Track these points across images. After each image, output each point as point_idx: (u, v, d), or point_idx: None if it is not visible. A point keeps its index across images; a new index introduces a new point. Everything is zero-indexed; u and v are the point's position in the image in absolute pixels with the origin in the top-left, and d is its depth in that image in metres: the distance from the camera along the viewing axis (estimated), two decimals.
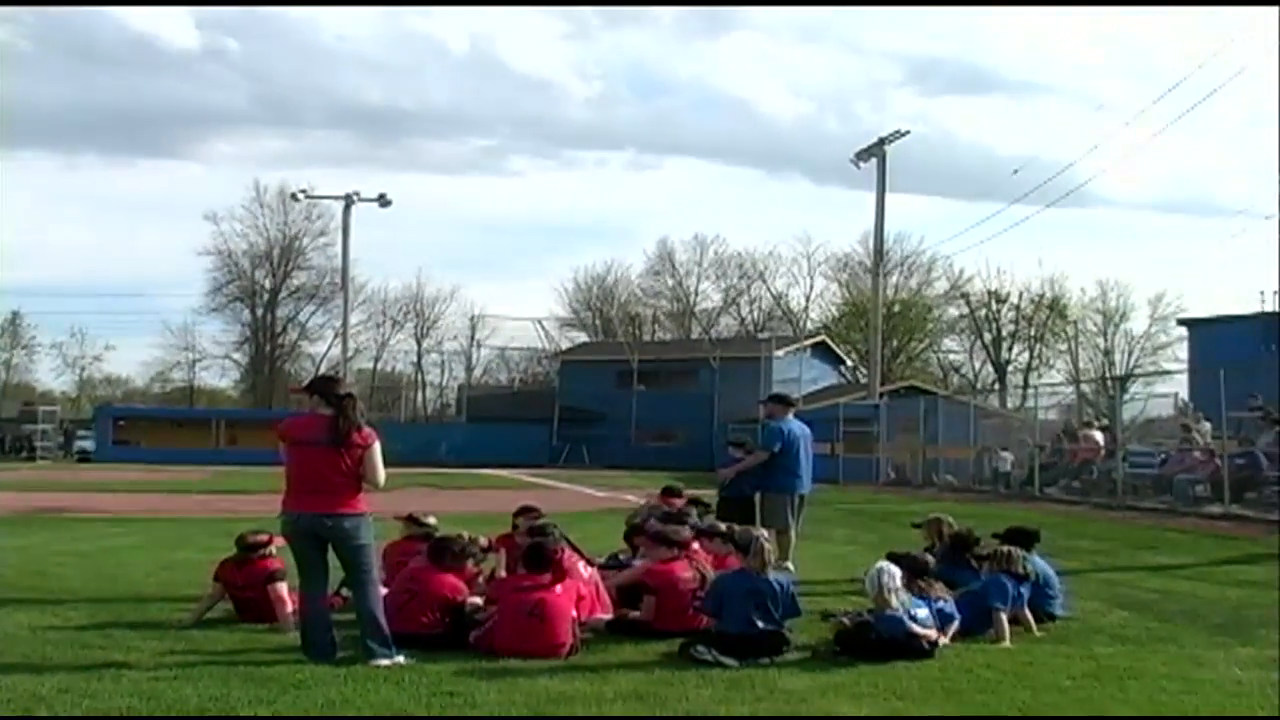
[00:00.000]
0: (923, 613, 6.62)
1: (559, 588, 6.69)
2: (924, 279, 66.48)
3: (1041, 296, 62.87)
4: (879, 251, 41.80)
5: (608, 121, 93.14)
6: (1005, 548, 7.72)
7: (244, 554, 7.63)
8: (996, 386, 57.84)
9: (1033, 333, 63.62)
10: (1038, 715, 5.21)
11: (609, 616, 7.30)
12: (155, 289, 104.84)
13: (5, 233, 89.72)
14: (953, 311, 66.37)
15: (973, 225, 65.40)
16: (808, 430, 10.76)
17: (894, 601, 6.57)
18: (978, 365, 66.37)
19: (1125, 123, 67.04)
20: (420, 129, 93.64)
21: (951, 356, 68.17)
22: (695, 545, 7.77)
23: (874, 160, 38.42)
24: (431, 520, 8.61)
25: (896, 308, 62.01)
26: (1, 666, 5.95)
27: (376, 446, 6.44)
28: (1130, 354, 61.37)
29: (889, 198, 38.94)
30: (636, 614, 7.25)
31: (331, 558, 6.50)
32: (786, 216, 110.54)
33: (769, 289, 71.02)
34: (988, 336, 64.93)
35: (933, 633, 6.58)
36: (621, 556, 8.91)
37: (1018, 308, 63.46)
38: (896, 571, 6.75)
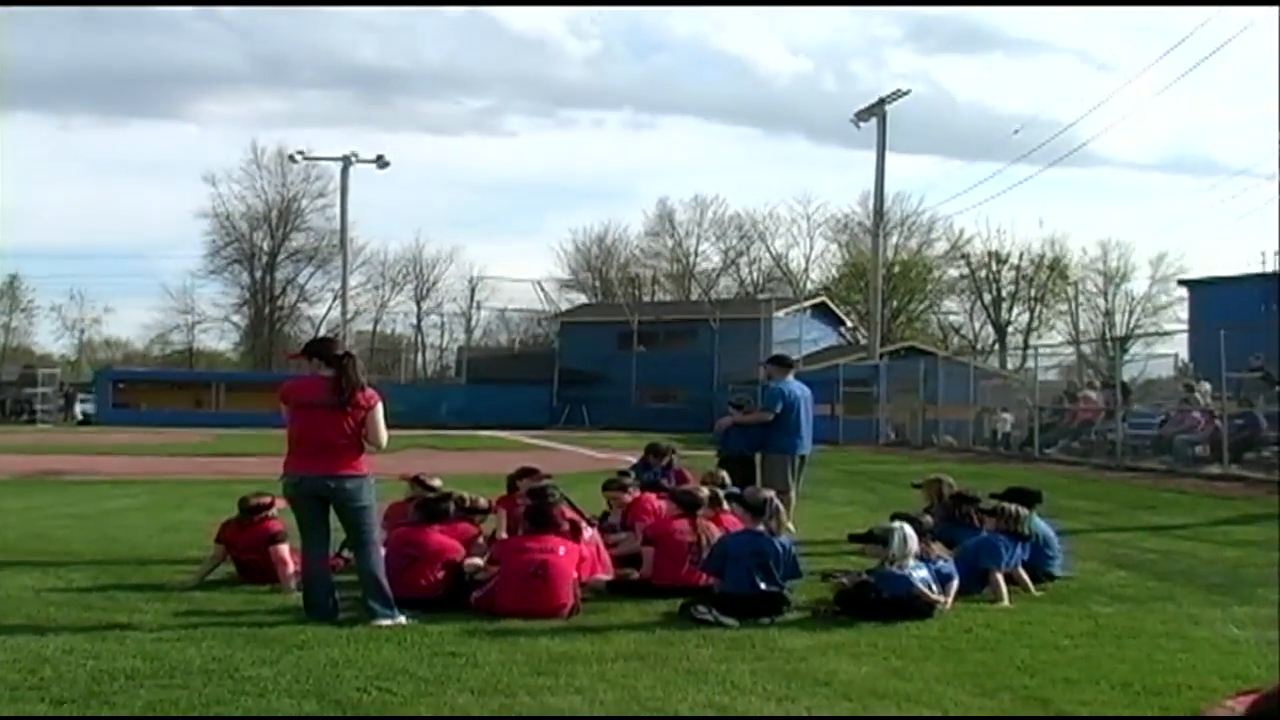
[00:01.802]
0: (922, 574, 6.64)
1: (563, 549, 6.73)
2: (924, 239, 66.37)
3: (1042, 257, 62.77)
4: (879, 212, 41.60)
5: (604, 80, 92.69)
6: (1012, 506, 7.74)
7: (246, 516, 7.65)
8: (996, 347, 57.87)
9: (1033, 293, 63.52)
10: (1037, 673, 5.24)
11: (609, 577, 7.34)
12: (154, 251, 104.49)
13: (2, 195, 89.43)
14: (953, 272, 66.29)
15: (973, 185, 65.52)
16: (808, 391, 10.79)
17: (908, 564, 6.60)
18: (978, 326, 66.40)
19: (1127, 81, 66.92)
20: (416, 88, 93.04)
21: (951, 317, 68.19)
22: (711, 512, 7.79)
23: (874, 120, 38.17)
24: (437, 483, 8.63)
25: (896, 268, 61.83)
26: (6, 628, 5.99)
27: (379, 408, 6.45)
28: (1131, 315, 61.39)
29: (889, 157, 38.77)
30: (637, 575, 7.31)
31: (333, 519, 6.52)
32: (785, 176, 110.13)
33: (769, 250, 70.96)
34: (988, 297, 64.86)
35: (936, 595, 6.60)
36: (611, 518, 8.96)
37: (1018, 268, 63.33)
38: (914, 534, 6.78)
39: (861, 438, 32.02)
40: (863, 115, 38.35)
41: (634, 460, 11.20)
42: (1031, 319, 63.94)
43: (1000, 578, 7.19)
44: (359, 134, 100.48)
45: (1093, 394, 23.16)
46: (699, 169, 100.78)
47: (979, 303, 65.71)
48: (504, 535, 8.02)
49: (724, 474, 9.52)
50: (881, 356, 38.56)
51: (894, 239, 62.64)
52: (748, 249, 71.25)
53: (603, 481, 9.28)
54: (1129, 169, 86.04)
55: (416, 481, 8.61)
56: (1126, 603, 7.18)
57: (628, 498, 8.85)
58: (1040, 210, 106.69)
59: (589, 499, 9.90)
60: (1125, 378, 22.18)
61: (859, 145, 74.74)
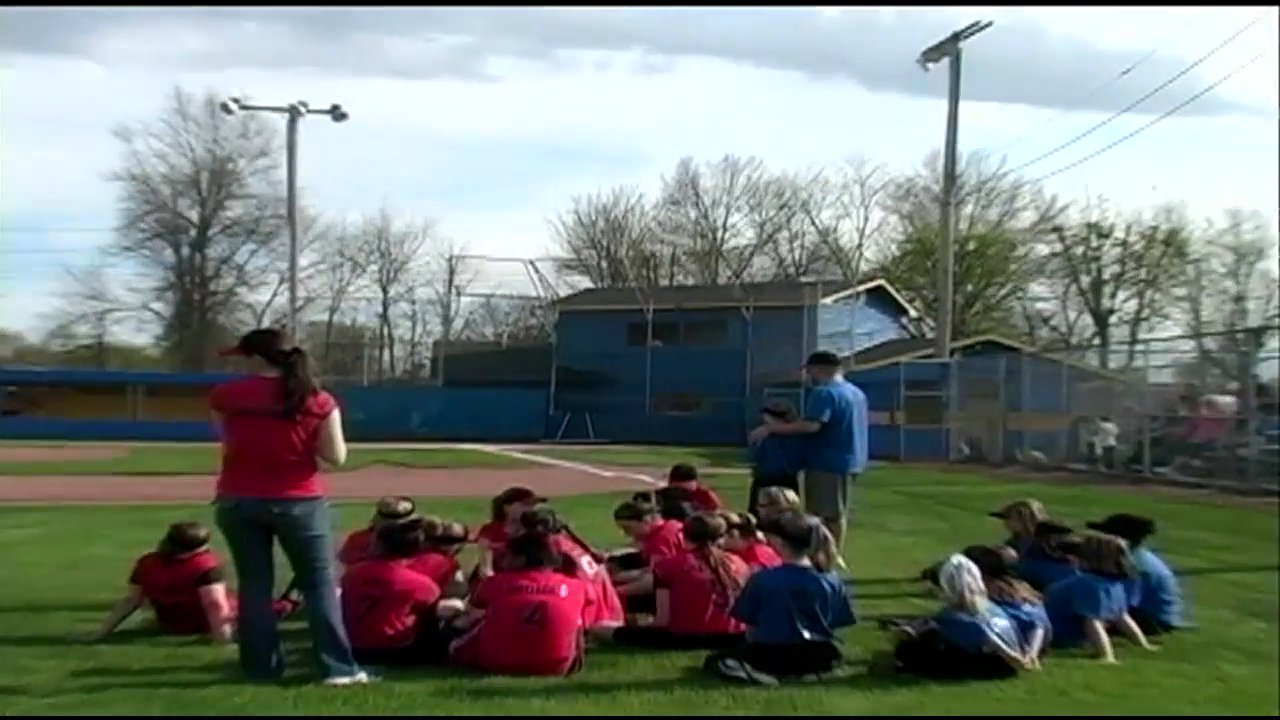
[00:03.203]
0: (1002, 623, 6.64)
1: (565, 588, 6.77)
2: (1006, 209, 66.45)
3: (1154, 230, 62.72)
4: (950, 175, 41.42)
5: (610, 13, 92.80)
6: (1097, 536, 7.73)
7: (172, 549, 7.70)
8: (1096, 342, 57.84)
9: (1143, 275, 63.52)
10: None
11: (618, 623, 7.39)
12: (52, 223, 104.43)
13: None
14: (1042, 249, 66.35)
15: (1069, 141, 64.83)
16: (861, 395, 10.84)
17: (972, 605, 6.62)
18: (1072, 316, 66.47)
19: (1265, 7, 66.42)
20: (376, 21, 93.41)
21: (1040, 305, 68.28)
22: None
23: (945, 60, 38.08)
24: (405, 506, 8.68)
25: (971, 245, 61.87)
26: None
27: (335, 416, 6.50)
28: (1268, 301, 61.21)
29: (963, 107, 38.60)
30: (651, 621, 7.35)
31: (279, 553, 6.56)
32: (835, 132, 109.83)
33: (814, 222, 71.09)
34: (1086, 280, 64.85)
35: (1016, 652, 6.61)
36: (618, 553, 9.02)
37: (1124, 244, 63.32)
38: (977, 570, 6.79)
39: (928, 452, 32.07)
40: (930, 55, 38.24)
41: (651, 480, 11.25)
42: (1140, 307, 63.97)
43: (1100, 627, 7.19)
44: (308, 78, 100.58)
45: (1219, 399, 23.11)
46: (729, 123, 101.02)
47: (1074, 286, 65.74)
48: (489, 571, 8.06)
49: (788, 494, 9.51)
50: (952, 353, 38.46)
51: (969, 208, 62.72)
52: (788, 222, 71.53)
53: (615, 507, 9.32)
54: (1265, 119, 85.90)
55: (382, 507, 8.66)
56: (1263, 661, 7.15)
57: (644, 527, 8.89)
58: (1153, 172, 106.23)
59: (593, 528, 9.96)
60: (1262, 379, 22.12)
61: (927, 92, 74.61)
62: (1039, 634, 6.90)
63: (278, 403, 6.36)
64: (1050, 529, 8.53)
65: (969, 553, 7.17)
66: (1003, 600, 6.88)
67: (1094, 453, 26.68)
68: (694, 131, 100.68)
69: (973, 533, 10.73)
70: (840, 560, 9.70)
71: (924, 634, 6.67)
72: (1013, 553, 7.71)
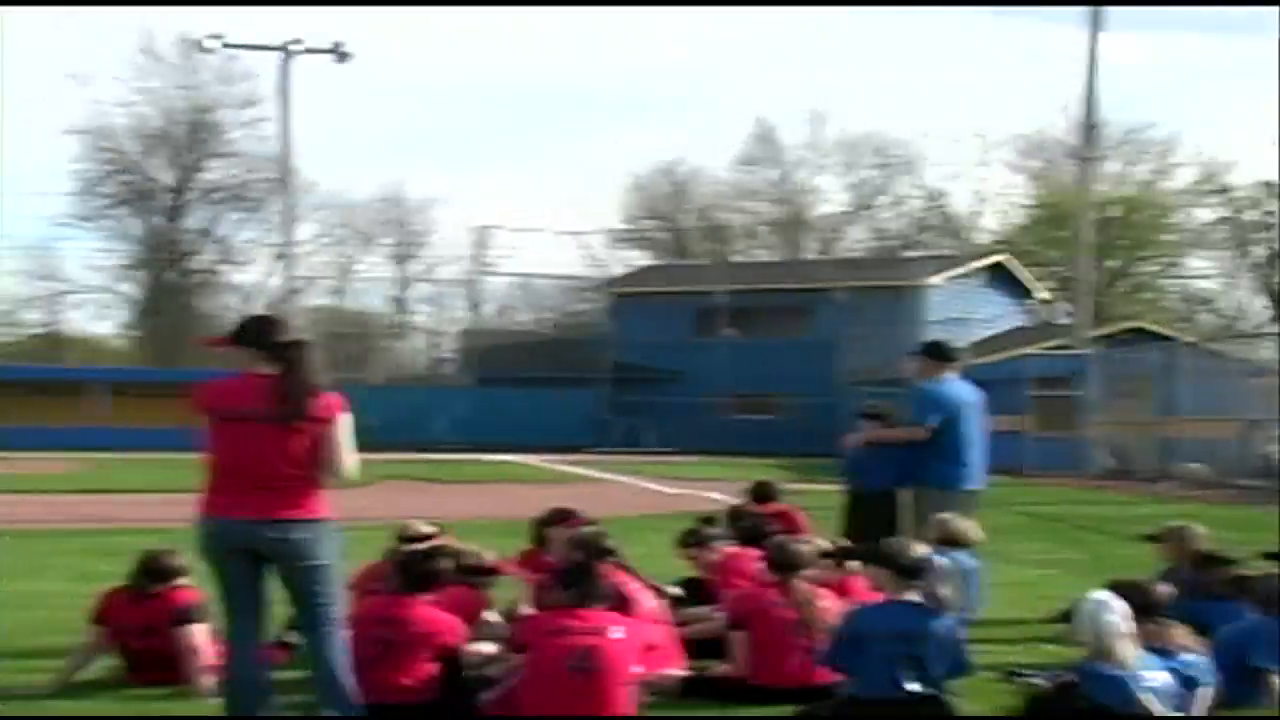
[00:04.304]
0: (1157, 676, 6.57)
1: (619, 630, 6.75)
2: (1160, 166, 65.75)
3: None
4: (1090, 124, 41.14)
5: None
6: (1275, 570, 7.63)
7: (143, 583, 7.74)
8: (1273, 329, 57.05)
9: None
10: None
11: (684, 672, 7.38)
12: None
13: None
14: (1204, 214, 65.64)
15: (1238, 80, 63.95)
16: (979, 395, 10.77)
17: (1118, 654, 6.53)
18: (1242, 297, 65.61)
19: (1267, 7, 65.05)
20: None
21: (1201, 283, 67.47)
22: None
23: None
24: (426, 530, 8.69)
25: (1116, 210, 61.22)
26: None
27: (344, 421, 6.49)
28: None
29: (1104, 39, 38.26)
30: (723, 667, 7.34)
31: (274, 587, 6.56)
32: (946, 73, 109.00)
33: (920, 185, 70.65)
34: (1259, 252, 64.00)
35: (1175, 711, 6.53)
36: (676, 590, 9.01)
37: None
38: (1123, 609, 6.69)
39: (1062, 465, 31.97)
40: None
41: (723, 498, 11.25)
42: None
43: (1278, 681, 7.11)
44: (304, 9, 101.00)
45: None
46: (814, 65, 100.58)
47: (1244, 261, 64.93)
48: (527, 609, 8.07)
49: (961, 522, 9.44)
50: (1093, 343, 38.19)
51: (1114, 165, 62.07)
52: (889, 184, 71.16)
53: (679, 533, 9.30)
54: None
55: (399, 531, 8.68)
56: None
57: (714, 556, 8.87)
58: None
59: (653, 557, 9.95)
60: None
61: (1062, 19, 73.83)
62: (1204, 690, 6.82)
63: (274, 405, 6.35)
64: (1215, 560, 8.44)
65: (1114, 588, 7.06)
66: (1157, 648, 6.79)
67: (1270, 465, 26.34)
68: (771, 74, 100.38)
69: (1117, 563, 10.64)
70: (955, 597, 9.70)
71: (1059, 688, 6.64)
72: (1169, 589, 7.63)
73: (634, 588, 7.68)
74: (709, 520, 9.84)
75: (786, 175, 71.89)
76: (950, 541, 9.16)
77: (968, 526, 9.65)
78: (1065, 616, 7.13)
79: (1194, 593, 8.09)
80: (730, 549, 9.06)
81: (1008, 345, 43.03)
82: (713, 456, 38.26)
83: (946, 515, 9.90)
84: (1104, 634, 6.56)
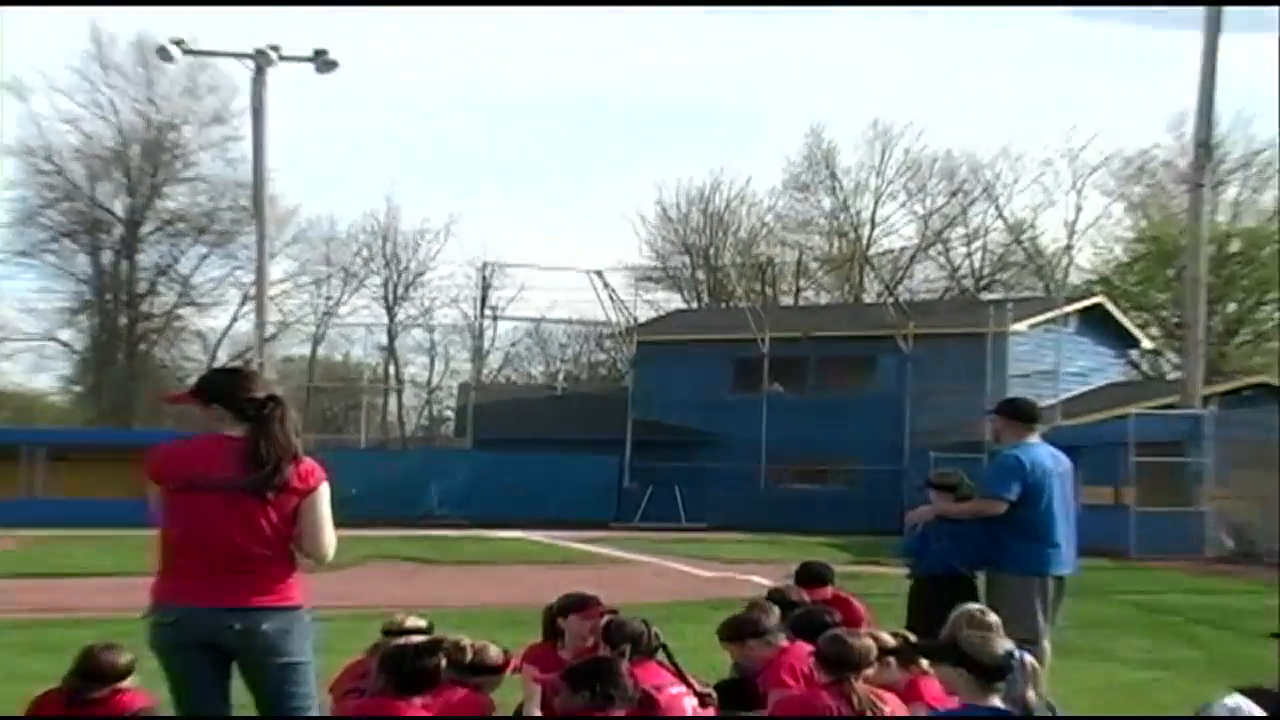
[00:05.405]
0: None
1: None
2: None
3: None
4: (1205, 144, 41.18)
5: None
6: None
7: (82, 684, 7.82)
8: None
9: None
10: None
11: None
12: None
13: None
14: None
15: None
16: (1068, 463, 10.83)
17: None
18: None
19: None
20: None
21: None
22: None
23: None
24: (419, 623, 8.77)
25: (1235, 244, 61.23)
26: None
27: (324, 492, 6.58)
28: None
29: (1224, 42, 38.34)
30: None
31: (239, 688, 6.64)
32: (1030, 85, 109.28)
33: (1001, 215, 70.78)
34: None
35: None
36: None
37: None
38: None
39: (1172, 545, 31.85)
40: None
41: (767, 582, 11.36)
42: None
43: None
44: (281, 12, 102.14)
45: None
46: (874, 74, 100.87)
47: None
48: (537, 712, 8.20)
49: (990, 615, 9.51)
50: (1207, 401, 38.16)
51: (1230, 191, 62.28)
52: (964, 214, 71.28)
53: (719, 624, 9.40)
54: None
55: (387, 624, 8.82)
56: None
57: (766, 650, 8.98)
58: None
59: (686, 651, 10.04)
60: None
61: (1168, 24, 74.05)
62: None
63: (244, 473, 6.41)
64: None
65: (1252, 695, 7.14)
66: None
67: None
68: (824, 85, 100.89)
69: (1243, 664, 10.68)
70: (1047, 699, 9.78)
71: None
72: None
73: (668, 687, 7.69)
74: (758, 606, 9.89)
75: (843, 203, 72.28)
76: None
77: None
78: None
79: None
80: (781, 643, 9.12)
81: (1105, 403, 43.05)
82: (755, 534, 38.20)
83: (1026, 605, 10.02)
84: None
